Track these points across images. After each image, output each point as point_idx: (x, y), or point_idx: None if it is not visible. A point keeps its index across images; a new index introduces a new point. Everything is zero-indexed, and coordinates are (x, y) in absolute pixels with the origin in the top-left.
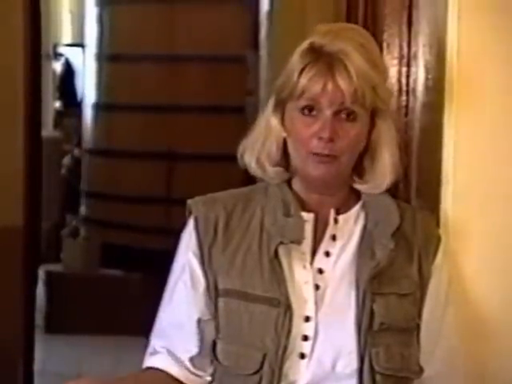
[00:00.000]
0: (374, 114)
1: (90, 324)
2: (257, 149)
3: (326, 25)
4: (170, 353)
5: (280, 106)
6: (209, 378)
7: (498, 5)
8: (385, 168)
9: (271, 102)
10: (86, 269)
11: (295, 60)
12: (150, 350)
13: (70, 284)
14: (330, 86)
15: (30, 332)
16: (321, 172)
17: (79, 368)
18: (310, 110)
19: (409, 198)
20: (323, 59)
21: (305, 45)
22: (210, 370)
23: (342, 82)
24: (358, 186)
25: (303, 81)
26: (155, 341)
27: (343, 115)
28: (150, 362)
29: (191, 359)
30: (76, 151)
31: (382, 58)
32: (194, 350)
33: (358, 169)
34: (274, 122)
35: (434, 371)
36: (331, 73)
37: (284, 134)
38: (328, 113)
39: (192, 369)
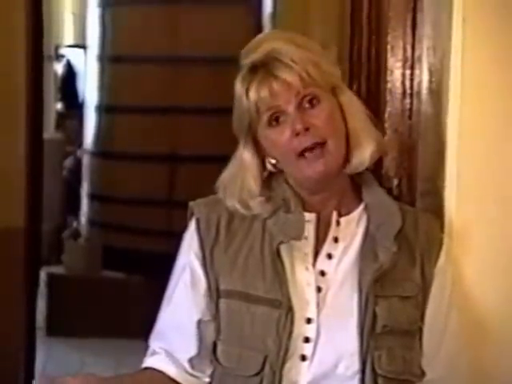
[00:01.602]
0: (336, 96)
1: (91, 326)
2: (237, 190)
3: (247, 45)
4: (169, 354)
5: (249, 138)
6: (207, 380)
7: (503, 8)
8: (360, 137)
9: (240, 142)
10: (88, 271)
11: (238, 89)
12: (149, 351)
13: (71, 286)
14: (275, 85)
15: (31, 334)
16: (317, 169)
17: (80, 370)
18: (276, 119)
19: (413, 202)
20: (259, 70)
21: (240, 73)
22: (209, 372)
23: (285, 75)
24: (347, 170)
25: (252, 96)
26: (154, 342)
27: (306, 104)
28: (147, 362)
29: (190, 360)
30: (77, 153)
31: (315, 44)
32: (193, 352)
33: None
34: (248, 156)
35: (436, 375)
36: (271, 74)
37: (273, 161)
38: (290, 109)
39: (190, 370)
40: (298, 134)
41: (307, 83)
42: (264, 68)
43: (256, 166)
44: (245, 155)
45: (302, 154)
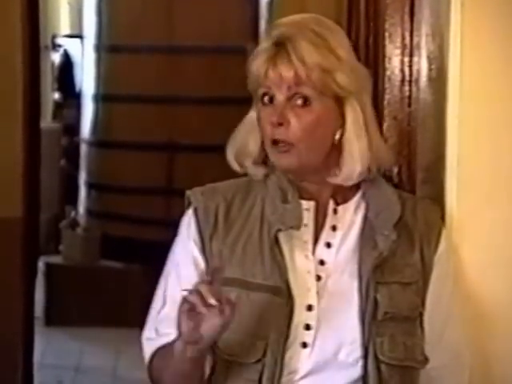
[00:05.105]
0: (341, 104)
1: (90, 316)
2: (236, 144)
3: (280, 20)
4: None
5: (255, 101)
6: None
7: None
8: (352, 158)
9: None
10: (86, 260)
11: (254, 54)
12: (152, 334)
13: (69, 276)
14: (271, 72)
15: (30, 324)
16: (282, 162)
17: (79, 360)
18: (269, 99)
19: (413, 190)
20: (273, 47)
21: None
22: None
23: (282, 67)
24: (330, 180)
25: (253, 68)
26: (163, 328)
27: (298, 101)
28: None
29: None
30: (75, 142)
31: (348, 49)
32: None
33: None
34: (254, 116)
35: (439, 363)
36: (275, 58)
37: None
38: (280, 98)
39: None
40: (272, 124)
41: (301, 82)
42: (275, 46)
43: (258, 129)
44: (251, 114)
45: (274, 142)
